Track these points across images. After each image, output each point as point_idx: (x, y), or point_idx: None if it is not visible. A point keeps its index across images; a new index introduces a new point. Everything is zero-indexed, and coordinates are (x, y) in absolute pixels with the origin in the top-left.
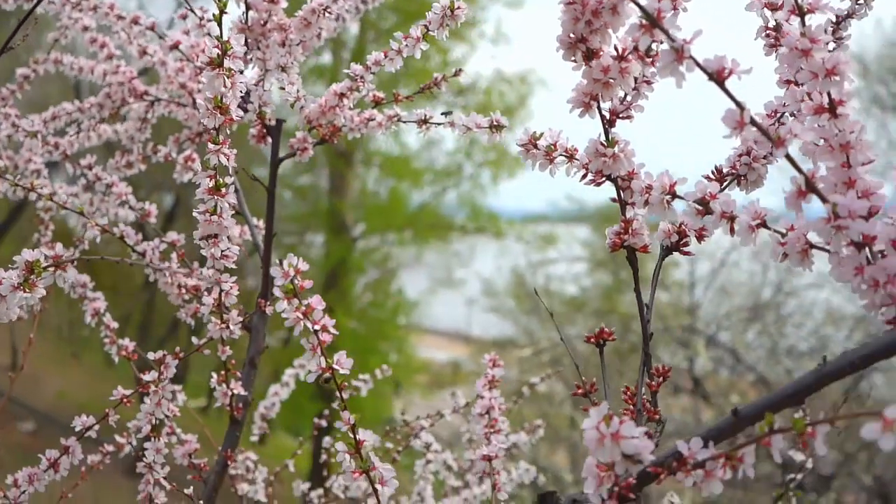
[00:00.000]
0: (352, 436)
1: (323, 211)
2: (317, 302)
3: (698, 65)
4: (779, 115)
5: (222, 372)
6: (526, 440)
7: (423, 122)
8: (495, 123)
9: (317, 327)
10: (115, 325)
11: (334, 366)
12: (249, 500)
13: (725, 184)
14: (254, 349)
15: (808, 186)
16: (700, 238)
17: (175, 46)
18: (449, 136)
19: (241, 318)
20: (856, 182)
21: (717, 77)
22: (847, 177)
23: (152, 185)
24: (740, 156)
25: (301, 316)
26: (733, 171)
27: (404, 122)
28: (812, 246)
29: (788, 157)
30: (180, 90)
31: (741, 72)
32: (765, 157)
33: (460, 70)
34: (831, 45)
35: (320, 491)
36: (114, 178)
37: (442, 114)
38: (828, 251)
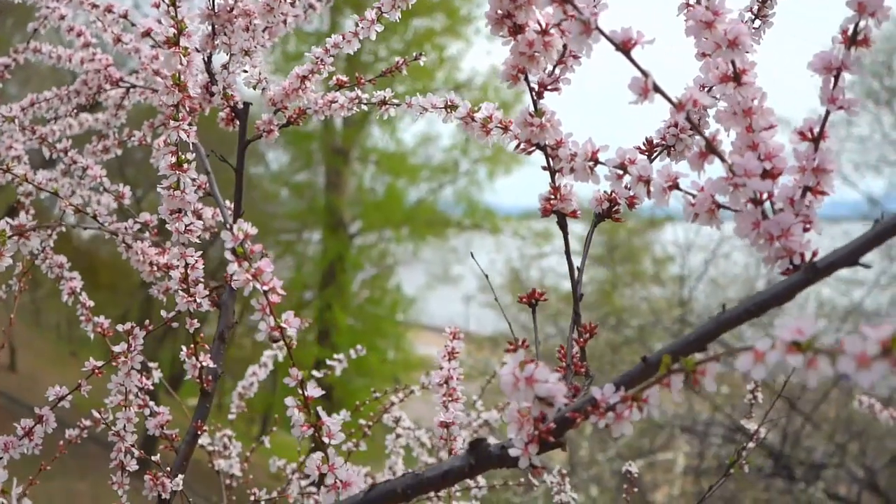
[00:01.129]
0: (300, 392)
1: (320, 208)
2: (266, 264)
3: (605, 36)
4: (707, 88)
5: (191, 345)
6: (497, 417)
7: (383, 103)
8: (449, 104)
9: (266, 288)
10: (91, 303)
11: (283, 325)
12: (226, 474)
13: (656, 154)
14: (223, 324)
15: (709, 148)
16: (631, 205)
17: (147, 34)
18: (445, 133)
19: (207, 292)
20: (758, 145)
21: (624, 47)
22: (751, 140)
23: (150, 185)
24: (669, 127)
25: (251, 277)
26: (663, 142)
27: (365, 103)
28: (719, 206)
29: (689, 120)
30: (154, 77)
31: (645, 42)
32: (692, 129)
33: (420, 54)
34: (757, 23)
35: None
36: (89, 162)
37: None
38: (732, 210)
